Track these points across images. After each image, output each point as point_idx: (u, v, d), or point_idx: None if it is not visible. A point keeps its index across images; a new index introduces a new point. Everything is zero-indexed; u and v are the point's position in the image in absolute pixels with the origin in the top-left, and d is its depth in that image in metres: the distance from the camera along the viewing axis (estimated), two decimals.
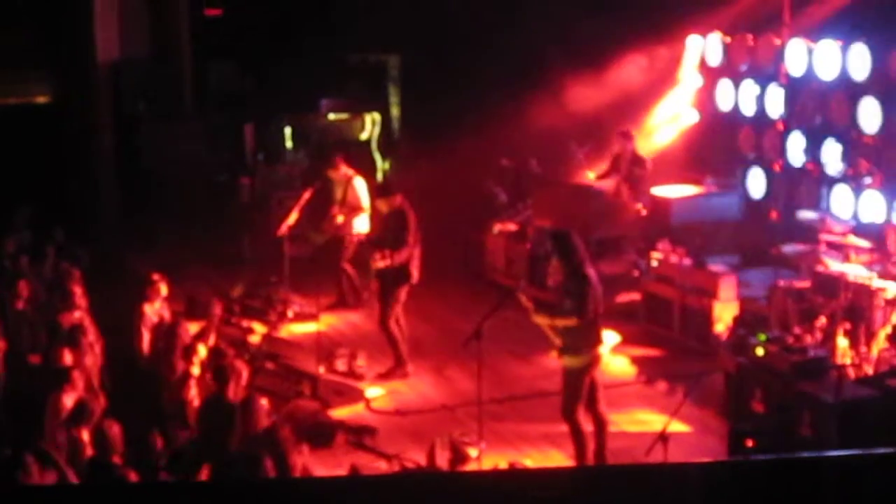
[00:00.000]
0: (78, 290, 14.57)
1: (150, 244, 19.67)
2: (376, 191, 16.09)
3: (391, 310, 15.08)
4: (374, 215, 16.26)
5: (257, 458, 10.34)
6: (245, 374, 12.41)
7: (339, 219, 17.45)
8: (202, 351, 13.14)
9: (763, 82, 18.22)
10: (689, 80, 19.44)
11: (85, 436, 11.18)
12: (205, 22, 24.01)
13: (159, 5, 23.50)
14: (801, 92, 17.50)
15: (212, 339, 13.86)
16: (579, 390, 11.94)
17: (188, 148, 22.63)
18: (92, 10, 22.26)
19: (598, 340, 12.04)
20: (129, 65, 22.86)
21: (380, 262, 14.83)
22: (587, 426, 12.09)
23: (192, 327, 14.23)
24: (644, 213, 17.91)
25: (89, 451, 11.05)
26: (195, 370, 12.78)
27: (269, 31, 23.04)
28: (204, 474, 11.00)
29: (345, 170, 17.74)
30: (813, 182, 17.37)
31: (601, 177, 18.39)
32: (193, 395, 12.64)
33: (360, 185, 17.58)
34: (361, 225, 17.46)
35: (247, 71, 23.92)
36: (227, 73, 23.97)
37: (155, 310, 14.54)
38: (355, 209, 17.42)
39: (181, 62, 23.52)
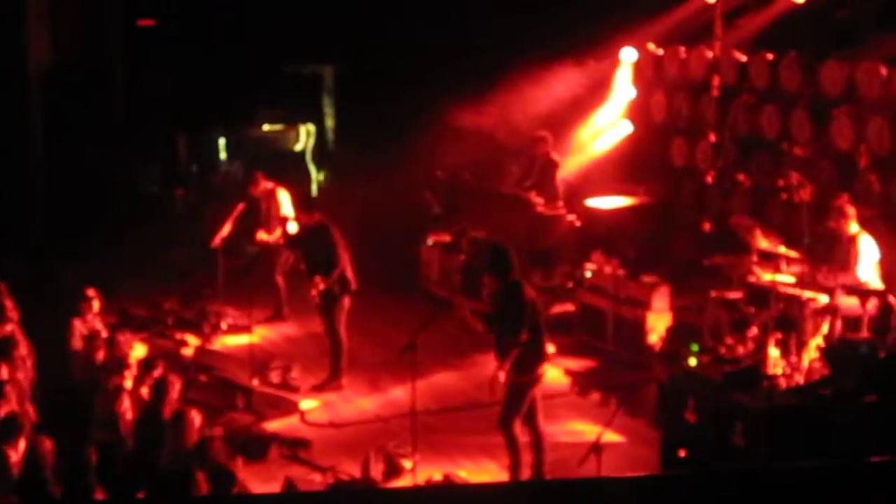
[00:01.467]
0: (9, 303, 14.41)
1: (82, 255, 19.49)
2: (297, 203, 16.35)
3: (338, 318, 15.12)
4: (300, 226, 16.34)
5: (189, 472, 10.27)
6: (178, 386, 12.33)
7: (263, 236, 17.46)
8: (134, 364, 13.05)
9: (695, 94, 18.35)
10: (622, 91, 19.53)
11: (16, 451, 11.07)
12: (138, 32, 23.85)
13: (92, 15, 23.30)
14: (733, 103, 17.63)
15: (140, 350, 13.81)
16: (519, 405, 12.00)
17: (121, 158, 22.45)
18: (24, 18, 22.05)
19: (542, 359, 12.11)
20: (61, 75, 22.66)
21: (317, 289, 14.92)
22: (523, 437, 12.14)
23: None
24: (578, 224, 17.97)
25: (19, 467, 10.94)
26: (128, 383, 12.67)
27: (202, 42, 22.92)
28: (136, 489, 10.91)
29: (265, 185, 17.68)
30: (745, 193, 17.51)
31: (516, 182, 18.47)
32: (126, 408, 12.53)
33: (283, 197, 17.55)
34: (291, 230, 17.39)
35: (180, 81, 23.78)
36: (161, 83, 23.82)
37: (87, 323, 14.42)
38: (282, 220, 17.36)
39: (114, 72, 23.34)
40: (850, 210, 13.67)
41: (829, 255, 13.59)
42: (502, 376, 11.79)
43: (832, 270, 13.37)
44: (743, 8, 17.71)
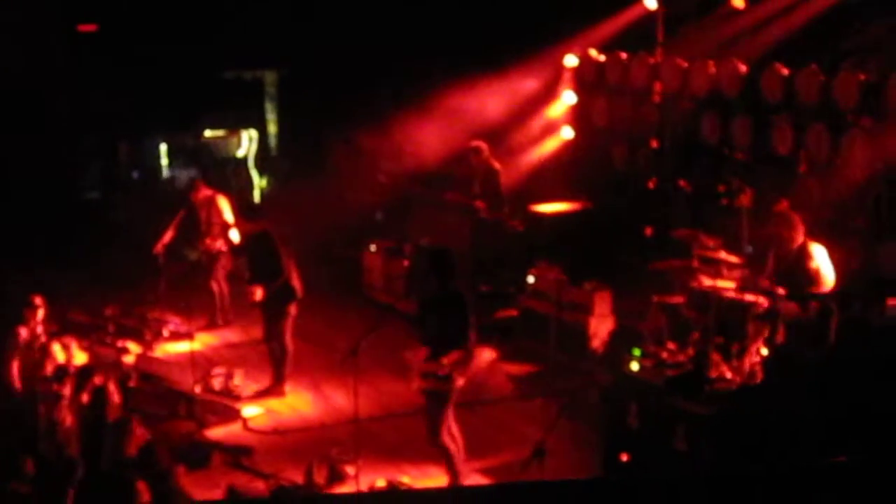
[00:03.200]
0: None
1: (21, 262, 19.31)
2: (241, 211, 16.31)
3: (282, 325, 15.06)
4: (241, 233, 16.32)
5: (130, 480, 10.20)
6: (117, 394, 12.26)
7: (213, 243, 17.37)
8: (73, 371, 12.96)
9: (637, 100, 18.42)
10: (564, 97, 19.59)
11: None
12: (79, 37, 23.68)
13: (32, 19, 23.11)
14: (674, 109, 17.71)
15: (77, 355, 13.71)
16: (444, 415, 12.01)
17: (62, 165, 22.29)
18: None
19: (467, 369, 12.11)
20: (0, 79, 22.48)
21: (257, 298, 14.87)
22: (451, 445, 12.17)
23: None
24: (521, 229, 18.00)
25: None
26: (67, 391, 12.58)
27: (144, 48, 22.77)
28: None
29: (205, 191, 17.59)
30: (686, 199, 17.58)
31: (458, 192, 18.48)
32: (65, 415, 12.45)
33: (223, 204, 17.48)
34: (234, 237, 17.31)
35: (122, 87, 23.64)
36: (102, 88, 23.67)
37: (30, 330, 14.29)
38: (223, 227, 17.28)
39: (55, 77, 23.17)
40: (795, 217, 13.67)
41: (775, 259, 13.64)
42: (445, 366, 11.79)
43: (771, 275, 13.42)
44: (684, 15, 17.80)
